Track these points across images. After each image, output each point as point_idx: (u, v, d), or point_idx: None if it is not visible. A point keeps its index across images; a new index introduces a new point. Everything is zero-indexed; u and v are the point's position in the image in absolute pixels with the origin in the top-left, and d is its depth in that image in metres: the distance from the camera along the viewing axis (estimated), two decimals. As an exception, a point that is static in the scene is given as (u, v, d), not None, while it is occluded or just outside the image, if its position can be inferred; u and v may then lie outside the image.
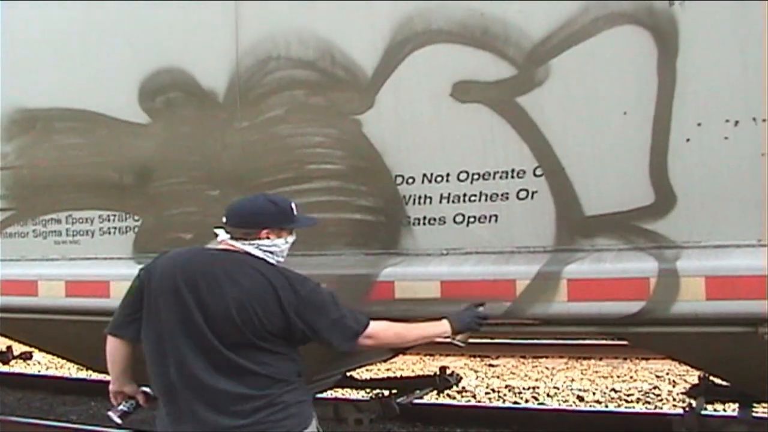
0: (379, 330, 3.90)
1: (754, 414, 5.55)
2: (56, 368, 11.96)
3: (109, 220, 5.81)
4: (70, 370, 11.56)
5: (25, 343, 7.72)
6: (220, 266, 3.68)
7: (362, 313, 3.91)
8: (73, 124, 5.88)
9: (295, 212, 3.89)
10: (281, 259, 3.86)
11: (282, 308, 3.61)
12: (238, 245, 3.76)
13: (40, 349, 7.99)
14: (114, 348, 3.95)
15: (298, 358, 3.81)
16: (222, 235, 3.83)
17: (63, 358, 8.04)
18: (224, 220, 3.84)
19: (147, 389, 3.98)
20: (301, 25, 5.00)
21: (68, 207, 5.97)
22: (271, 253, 3.80)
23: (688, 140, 4.19)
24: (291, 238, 3.90)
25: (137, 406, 3.98)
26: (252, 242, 3.76)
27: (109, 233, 5.80)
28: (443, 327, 4.21)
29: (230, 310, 3.55)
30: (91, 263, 5.85)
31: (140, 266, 3.92)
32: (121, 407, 4.03)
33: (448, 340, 4.27)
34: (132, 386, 4.00)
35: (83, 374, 10.83)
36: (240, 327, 3.56)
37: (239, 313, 3.55)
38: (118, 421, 4.02)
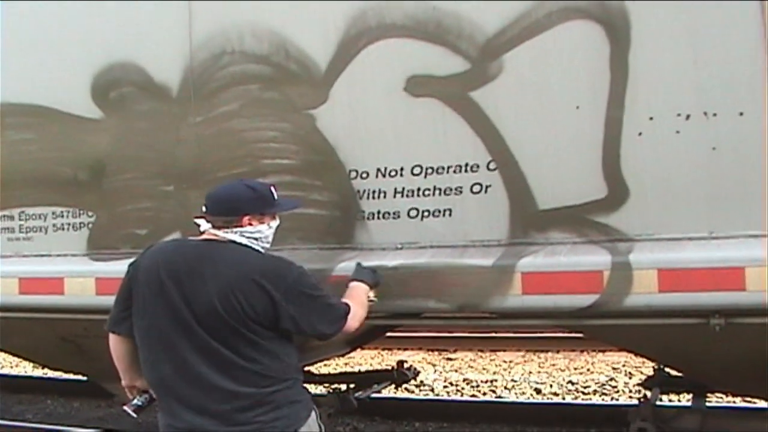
0: (356, 309, 3.94)
1: (707, 404, 5.62)
2: (11, 366, 11.85)
3: (62, 217, 5.76)
4: (25, 368, 11.47)
5: (-22, 342, 7.65)
6: (203, 257, 3.63)
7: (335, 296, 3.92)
8: (25, 119, 5.82)
9: (275, 196, 3.84)
10: (267, 245, 3.83)
11: (270, 296, 3.55)
12: (221, 234, 3.71)
13: (-5, 348, 7.93)
14: (115, 344, 3.91)
15: (294, 354, 3.77)
16: (203, 225, 3.77)
17: (18, 356, 7.96)
18: (204, 209, 3.78)
19: None
20: (255, 19, 4.98)
21: (21, 203, 5.91)
22: (256, 239, 3.75)
23: (640, 134, 4.22)
24: (274, 223, 3.86)
25: (151, 400, 3.92)
26: (234, 230, 3.70)
27: (63, 229, 5.75)
28: (364, 287, 4.31)
29: (213, 301, 3.51)
30: (45, 260, 5.79)
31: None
32: (135, 402, 3.96)
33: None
34: (143, 380, 3.91)
35: (39, 372, 10.74)
36: (224, 317, 3.50)
37: (222, 303, 3.50)
38: (133, 415, 3.96)
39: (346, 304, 3.89)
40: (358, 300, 4.13)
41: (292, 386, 3.70)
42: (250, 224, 3.72)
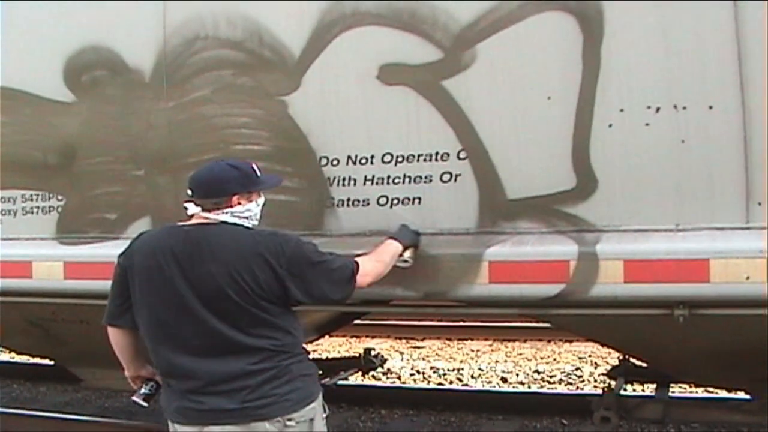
0: (368, 265, 3.99)
1: (670, 394, 5.68)
2: (-23, 350, 11.79)
3: (31, 200, 5.73)
4: (-9, 352, 11.41)
5: (-56, 325, 7.61)
6: (199, 241, 3.61)
7: (342, 256, 3.92)
8: (-5, 102, 5.78)
9: (258, 173, 3.82)
10: (256, 223, 3.81)
11: (274, 271, 3.57)
12: (212, 216, 3.68)
13: (-39, 331, 7.89)
14: (116, 337, 3.89)
15: (301, 329, 3.80)
16: (192, 208, 3.72)
17: (-16, 339, 7.93)
18: (189, 193, 3.74)
19: None
20: (230, 5, 4.97)
21: (-10, 186, 5.87)
22: (246, 218, 3.74)
23: (610, 126, 4.26)
24: (261, 200, 3.84)
25: (158, 387, 3.92)
26: (224, 210, 3.68)
27: (32, 213, 5.73)
28: (396, 244, 4.34)
29: (219, 284, 3.51)
30: (14, 243, 5.76)
31: (118, 253, 3.85)
32: (142, 391, 3.96)
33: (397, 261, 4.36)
34: (147, 369, 3.93)
35: (5, 357, 10.68)
36: (233, 299, 3.51)
37: (230, 285, 3.51)
38: (144, 404, 3.95)
39: (354, 262, 3.88)
40: (379, 256, 4.17)
41: (303, 360, 3.75)
42: (239, 203, 3.71)
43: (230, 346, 3.56)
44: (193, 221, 3.74)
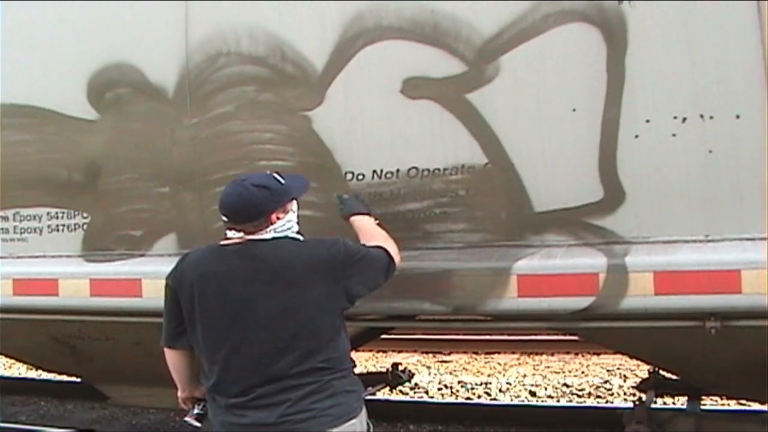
0: (390, 246, 4.08)
1: (702, 407, 5.62)
2: (5, 368, 11.84)
3: (57, 218, 5.74)
4: (19, 369, 11.46)
5: (-28, 343, 7.64)
6: (251, 259, 3.67)
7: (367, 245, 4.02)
8: (20, 120, 5.79)
9: (283, 181, 3.81)
10: (297, 228, 3.85)
11: (331, 276, 3.67)
12: (257, 237, 3.72)
13: (-12, 349, 7.92)
14: (174, 359, 3.96)
15: (348, 343, 3.87)
16: (235, 234, 3.75)
17: (12, 357, 7.96)
18: (224, 220, 3.77)
19: None
20: (252, 21, 4.96)
21: (15, 204, 5.88)
22: (289, 229, 3.78)
23: (636, 137, 4.21)
24: (295, 206, 3.88)
25: None
26: (267, 230, 3.71)
27: (58, 230, 5.74)
28: (370, 219, 4.42)
29: (275, 300, 3.60)
30: (39, 261, 5.78)
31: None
32: (195, 411, 4.04)
33: None
34: (200, 389, 3.98)
35: (33, 374, 10.73)
36: (288, 314, 3.59)
37: (285, 302, 3.59)
38: (197, 424, 4.03)
39: (380, 248, 3.98)
40: (381, 236, 4.22)
41: (347, 376, 3.79)
42: (279, 219, 3.73)
43: (283, 360, 3.60)
44: (238, 240, 3.75)
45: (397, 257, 4.04)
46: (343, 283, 3.70)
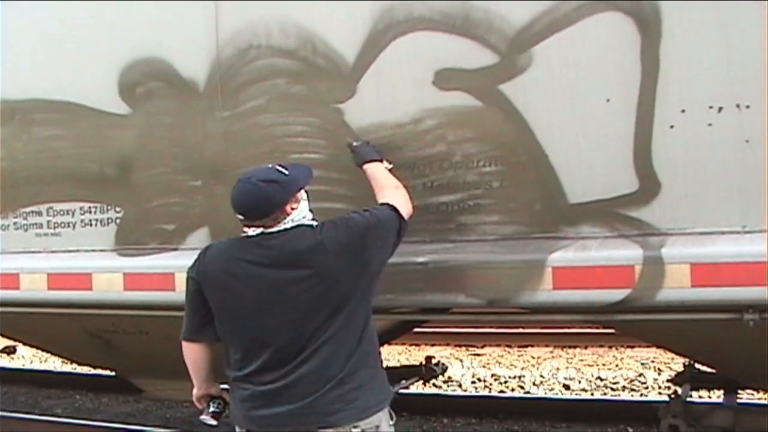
0: (395, 198, 4.07)
1: (738, 400, 5.56)
2: (40, 362, 11.93)
3: (90, 212, 5.76)
4: (54, 363, 11.53)
5: (8, 337, 7.69)
6: (272, 248, 3.69)
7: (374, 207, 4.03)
8: (52, 115, 5.82)
9: (288, 173, 3.81)
10: (311, 215, 3.87)
11: (354, 254, 3.70)
12: (276, 230, 3.74)
13: (24, 343, 7.98)
14: (194, 353, 3.94)
15: (376, 337, 3.87)
16: (253, 231, 3.77)
17: (47, 351, 8.01)
18: (240, 218, 3.79)
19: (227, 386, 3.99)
20: (282, 14, 4.95)
21: (49, 199, 5.92)
22: (304, 217, 3.81)
23: (671, 127, 4.17)
24: (304, 194, 3.89)
25: (225, 405, 3.98)
26: (284, 221, 3.73)
27: (91, 225, 5.76)
28: (381, 166, 4.44)
29: (304, 289, 3.61)
30: (73, 255, 5.80)
31: (187, 270, 3.88)
32: (211, 409, 4.00)
33: None
34: (216, 387, 4.00)
35: (68, 368, 10.81)
36: (317, 301, 3.62)
37: (314, 289, 3.62)
38: (214, 423, 4.00)
39: (387, 205, 3.98)
40: (392, 186, 4.24)
41: (373, 366, 3.81)
42: (293, 209, 3.75)
43: (310, 351, 3.62)
44: (258, 232, 3.77)
45: (408, 206, 4.06)
46: (361, 256, 3.72)
